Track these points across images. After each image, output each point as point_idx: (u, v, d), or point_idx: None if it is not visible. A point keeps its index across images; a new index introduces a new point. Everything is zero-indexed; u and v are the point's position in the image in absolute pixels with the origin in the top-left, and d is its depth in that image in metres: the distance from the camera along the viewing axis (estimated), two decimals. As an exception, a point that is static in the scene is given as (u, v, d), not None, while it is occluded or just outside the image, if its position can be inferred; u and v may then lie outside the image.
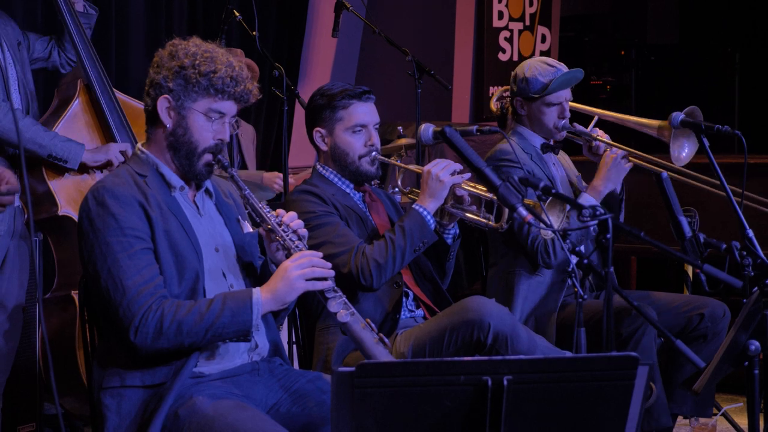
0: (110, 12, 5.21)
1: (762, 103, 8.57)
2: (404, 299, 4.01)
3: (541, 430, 2.62)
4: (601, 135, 4.65)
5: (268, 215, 3.30)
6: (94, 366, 3.31)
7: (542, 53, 8.33)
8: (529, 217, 2.88)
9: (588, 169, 4.79)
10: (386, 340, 3.26)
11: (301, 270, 3.19)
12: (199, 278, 3.24)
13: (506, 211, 3.76)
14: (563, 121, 4.68)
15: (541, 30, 8.33)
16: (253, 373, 3.30)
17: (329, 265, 3.25)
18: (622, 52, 8.82)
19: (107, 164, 4.57)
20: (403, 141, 5.15)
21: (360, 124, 4.02)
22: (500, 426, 2.55)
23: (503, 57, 8.08)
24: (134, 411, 3.18)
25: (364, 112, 4.03)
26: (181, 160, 3.31)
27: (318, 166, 4.11)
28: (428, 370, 2.56)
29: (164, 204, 3.26)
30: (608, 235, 2.79)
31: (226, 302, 3.15)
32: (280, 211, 3.33)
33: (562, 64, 4.72)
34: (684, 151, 4.58)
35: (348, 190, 4.07)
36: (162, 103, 3.28)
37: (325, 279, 3.23)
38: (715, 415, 4.96)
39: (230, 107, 3.30)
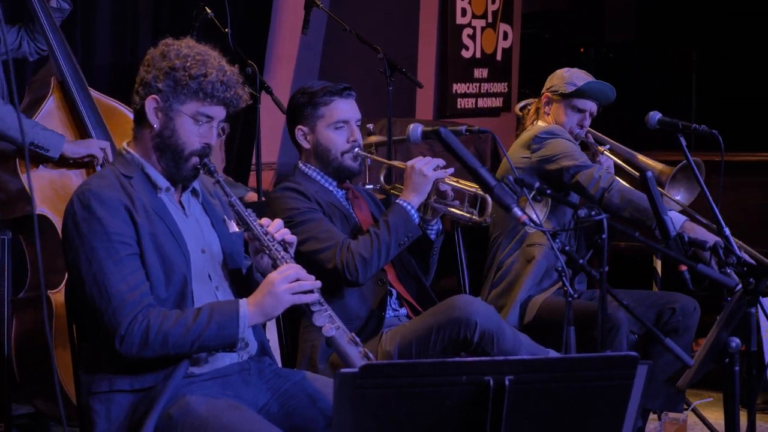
0: (76, 8, 5.13)
1: (719, 100, 8.66)
2: (388, 297, 4.02)
3: (541, 430, 2.64)
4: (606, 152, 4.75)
5: (254, 224, 3.26)
6: (80, 371, 3.28)
7: (504, 50, 8.37)
8: (524, 218, 2.89)
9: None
10: (371, 355, 3.24)
11: (288, 284, 3.15)
12: (186, 282, 3.21)
13: (489, 206, 3.79)
14: (579, 130, 4.76)
15: (503, 27, 8.36)
16: (243, 373, 3.28)
17: (312, 277, 3.22)
18: (581, 50, 8.88)
19: (86, 159, 4.52)
20: (373, 138, 5.14)
21: (341, 120, 4.03)
22: (501, 426, 2.56)
23: (466, 54, 8.10)
24: (123, 415, 3.15)
25: (346, 109, 4.04)
26: (167, 162, 3.27)
27: (300, 165, 4.11)
28: (430, 371, 2.58)
29: (150, 207, 3.22)
30: (603, 236, 2.81)
31: (212, 315, 3.12)
32: (265, 220, 3.30)
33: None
34: (677, 196, 4.66)
35: (331, 188, 4.08)
36: (150, 104, 3.25)
37: (311, 291, 3.21)
38: (686, 410, 5.02)
39: (219, 112, 3.27)
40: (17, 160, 4.46)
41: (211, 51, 3.29)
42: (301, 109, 4.05)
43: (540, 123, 4.83)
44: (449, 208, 3.96)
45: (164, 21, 6.31)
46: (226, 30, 5.20)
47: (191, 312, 3.13)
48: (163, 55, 3.26)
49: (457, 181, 3.92)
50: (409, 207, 3.89)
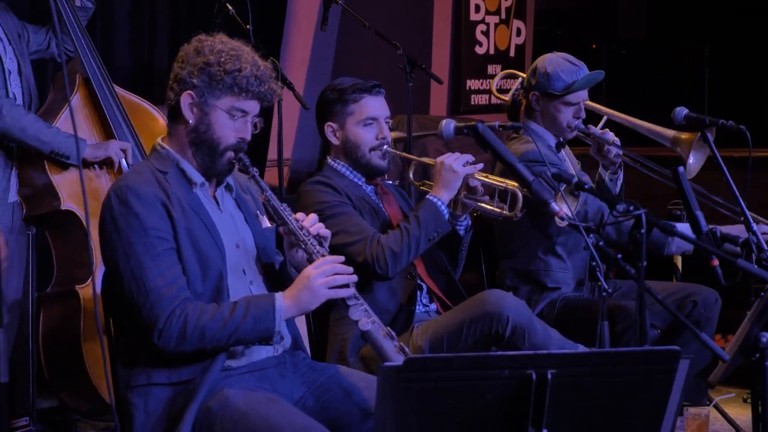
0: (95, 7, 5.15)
1: (731, 97, 8.66)
2: (418, 292, 4.04)
3: (581, 423, 2.67)
4: (612, 138, 4.65)
5: (289, 218, 3.29)
6: (117, 364, 3.30)
7: (517, 47, 8.38)
8: (562, 213, 2.91)
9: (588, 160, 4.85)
10: (407, 349, 3.25)
11: (324, 278, 3.17)
12: (222, 277, 3.24)
13: (520, 201, 3.81)
14: (577, 122, 4.68)
15: (517, 23, 8.37)
16: (279, 366, 3.31)
17: (351, 270, 3.24)
18: (594, 46, 8.88)
19: (107, 161, 4.55)
20: (393, 135, 5.15)
21: (371, 117, 4.06)
22: (542, 420, 2.59)
23: (480, 50, 8.11)
24: (161, 408, 3.17)
25: (375, 106, 4.07)
26: (202, 157, 3.29)
27: (329, 160, 4.14)
28: (473, 365, 2.61)
29: (186, 202, 3.24)
30: (642, 230, 2.83)
31: (249, 308, 3.14)
32: (300, 214, 3.33)
33: (581, 62, 4.71)
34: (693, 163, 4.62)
35: (360, 183, 4.11)
36: (185, 99, 3.27)
37: (347, 286, 3.23)
38: (708, 405, 5.02)
39: (253, 106, 3.29)
40: (45, 161, 4.49)
41: (245, 46, 3.32)
42: (330, 106, 4.08)
43: (517, 145, 4.64)
44: (479, 204, 3.99)
45: (182, 18, 6.32)
46: (248, 27, 5.20)
47: (227, 306, 3.16)
48: (197, 50, 3.29)
49: (486, 177, 3.94)
50: (439, 202, 3.92)
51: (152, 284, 3.13)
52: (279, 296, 3.18)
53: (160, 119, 4.88)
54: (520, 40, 8.42)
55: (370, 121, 4.07)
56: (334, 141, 4.09)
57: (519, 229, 4.54)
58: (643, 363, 2.64)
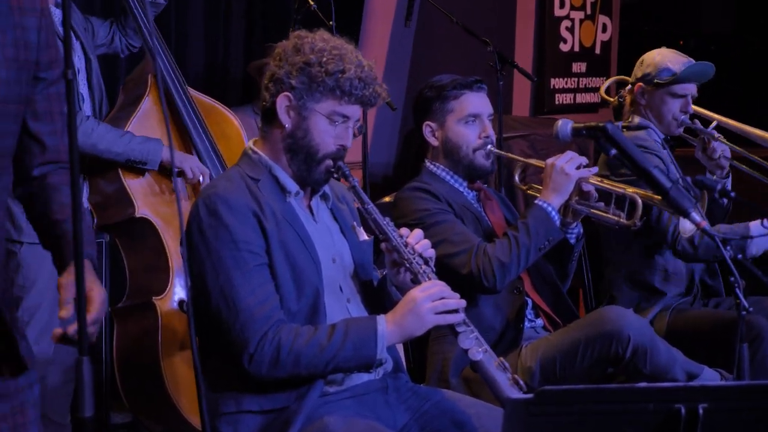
0: (169, 4, 4.90)
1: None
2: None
3: (735, 463, 2.35)
4: (721, 148, 4.34)
5: (393, 234, 2.99)
6: (204, 389, 3.01)
7: (603, 43, 8.02)
8: (704, 224, 2.58)
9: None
10: (521, 382, 2.92)
11: (432, 303, 2.87)
12: (319, 294, 2.95)
13: (640, 208, 3.47)
14: (684, 116, 4.37)
15: (602, 19, 8.01)
16: (381, 391, 3.01)
17: (458, 295, 2.93)
18: (681, 42, 8.52)
19: (180, 172, 4.28)
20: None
21: (473, 114, 3.78)
22: (691, 459, 2.28)
23: (564, 47, 7.76)
24: None
25: (477, 103, 3.79)
26: (298, 164, 3.00)
27: (428, 164, 3.84)
28: (614, 397, 2.33)
29: (279, 212, 2.96)
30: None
31: (348, 333, 2.85)
32: (404, 230, 3.02)
33: (691, 58, 4.43)
34: None
35: (461, 188, 3.81)
36: (282, 101, 2.98)
37: (456, 311, 2.91)
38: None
39: (355, 111, 3.00)
40: (119, 168, 4.22)
41: (347, 44, 3.02)
42: (429, 104, 3.79)
43: (635, 132, 4.41)
44: (593, 210, 3.65)
45: (256, 16, 6.08)
46: (331, 23, 4.92)
47: (325, 329, 2.87)
48: (297, 48, 2.99)
49: (601, 181, 3.61)
50: (549, 208, 3.60)
51: (243, 303, 2.84)
52: (381, 320, 2.89)
53: (234, 121, 4.62)
54: (605, 37, 8.05)
55: (472, 118, 3.78)
56: (434, 141, 3.80)
57: (620, 233, 4.22)
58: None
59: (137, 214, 4.21)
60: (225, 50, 5.96)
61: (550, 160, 3.63)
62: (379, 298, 3.10)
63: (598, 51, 8.01)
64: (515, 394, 2.83)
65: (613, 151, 2.86)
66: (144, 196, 4.25)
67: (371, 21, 6.64)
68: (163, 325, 4.17)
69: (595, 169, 3.63)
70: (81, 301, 2.21)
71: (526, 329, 3.69)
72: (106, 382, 4.75)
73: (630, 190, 3.53)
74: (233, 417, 2.90)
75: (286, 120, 2.99)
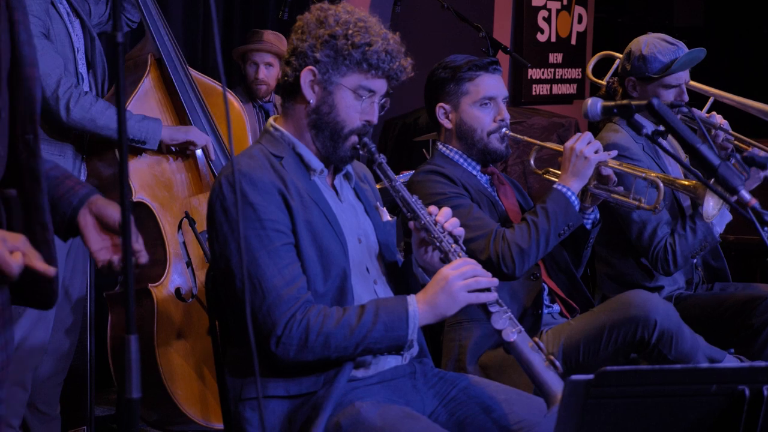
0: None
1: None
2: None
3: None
4: (720, 121, 4.26)
5: (422, 212, 2.90)
6: (226, 375, 2.91)
7: (579, 34, 7.99)
8: (754, 201, 2.51)
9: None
10: (557, 362, 2.80)
11: (464, 280, 2.79)
12: (346, 275, 2.86)
13: (662, 191, 3.41)
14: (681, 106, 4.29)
15: (578, 10, 7.97)
16: (408, 376, 2.93)
17: (489, 274, 2.86)
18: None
19: (186, 145, 4.17)
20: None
21: (488, 96, 3.68)
22: (754, 441, 2.23)
23: (541, 37, 7.71)
24: (279, 423, 2.79)
25: (493, 85, 3.69)
26: (323, 141, 2.91)
27: (440, 146, 3.75)
28: (677, 378, 2.26)
29: (304, 190, 2.86)
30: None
31: (378, 314, 2.76)
32: (433, 208, 2.93)
33: (680, 42, 4.33)
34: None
35: (474, 172, 3.72)
36: (306, 76, 2.88)
37: (488, 290, 2.83)
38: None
39: (381, 85, 2.91)
40: (116, 150, 4.10)
41: (371, 17, 2.92)
42: (442, 85, 3.69)
43: (603, 134, 4.32)
44: (612, 195, 3.58)
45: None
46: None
47: (354, 310, 2.78)
48: (320, 21, 2.89)
49: (620, 164, 3.55)
50: (569, 193, 3.53)
51: (270, 284, 2.74)
52: (412, 300, 2.80)
53: (235, 103, 4.51)
54: (581, 27, 8.02)
55: (487, 101, 3.68)
56: (447, 124, 3.71)
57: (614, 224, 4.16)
58: None
59: (134, 199, 4.10)
60: (203, 35, 5.84)
61: (568, 144, 3.56)
62: (404, 279, 3.02)
63: (573, 42, 7.97)
64: (552, 376, 2.76)
65: (645, 130, 2.78)
66: (141, 180, 4.14)
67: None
68: (159, 313, 4.07)
69: (614, 153, 3.57)
70: (128, 270, 2.10)
71: (543, 315, 3.62)
72: (91, 374, 4.63)
73: (652, 174, 3.48)
74: (258, 402, 2.81)
75: (311, 95, 2.89)
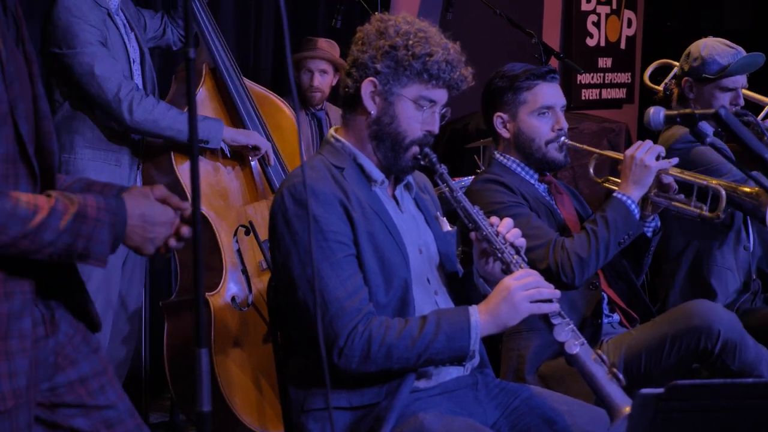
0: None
1: None
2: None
3: None
4: None
5: (484, 223, 2.88)
6: (289, 386, 2.91)
7: (628, 38, 7.94)
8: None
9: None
10: (620, 375, 2.78)
11: (527, 291, 2.77)
12: (408, 286, 2.85)
13: (723, 200, 3.39)
14: (735, 109, 4.26)
15: (628, 14, 7.94)
16: (470, 387, 2.92)
17: (552, 286, 2.84)
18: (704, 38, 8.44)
19: (246, 149, 4.19)
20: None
21: (546, 106, 3.66)
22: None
23: (591, 42, 7.68)
24: None
25: (551, 94, 3.68)
26: (385, 151, 2.90)
27: (497, 155, 3.74)
28: (749, 393, 2.22)
29: (365, 201, 2.86)
30: None
31: (440, 325, 2.75)
32: (494, 219, 2.92)
33: (739, 47, 4.32)
34: None
35: (532, 181, 3.70)
36: (367, 87, 2.88)
37: (550, 301, 2.82)
38: None
39: (442, 95, 2.90)
40: (172, 153, 4.12)
41: (431, 27, 2.92)
42: (500, 95, 3.67)
43: (668, 133, 4.31)
44: (673, 203, 3.55)
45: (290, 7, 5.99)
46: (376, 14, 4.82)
47: (416, 321, 2.77)
48: (380, 32, 2.89)
49: (681, 172, 3.52)
50: (629, 201, 3.50)
51: (332, 296, 2.74)
52: (474, 310, 2.79)
53: (288, 112, 4.52)
54: (630, 32, 7.97)
55: (545, 110, 3.67)
56: (505, 134, 3.69)
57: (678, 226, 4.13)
58: None
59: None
60: (255, 46, 5.86)
61: (629, 152, 3.53)
62: (465, 290, 3.01)
63: (623, 46, 7.93)
64: (615, 389, 2.73)
65: (709, 139, 2.76)
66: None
67: (397, 10, 6.57)
68: (215, 321, 4.08)
69: (675, 160, 3.54)
70: (199, 284, 2.10)
71: (603, 325, 3.59)
72: (146, 381, 4.66)
73: (714, 182, 3.45)
74: (321, 413, 2.80)
75: (372, 106, 2.89)
